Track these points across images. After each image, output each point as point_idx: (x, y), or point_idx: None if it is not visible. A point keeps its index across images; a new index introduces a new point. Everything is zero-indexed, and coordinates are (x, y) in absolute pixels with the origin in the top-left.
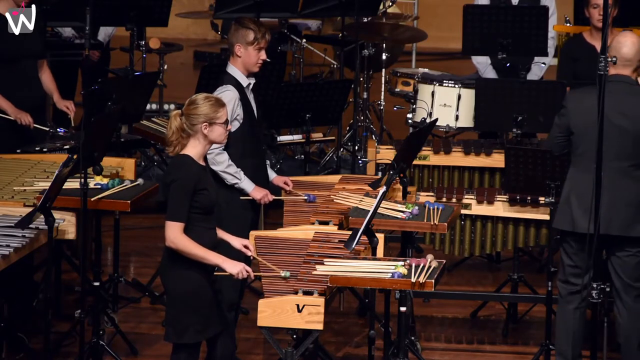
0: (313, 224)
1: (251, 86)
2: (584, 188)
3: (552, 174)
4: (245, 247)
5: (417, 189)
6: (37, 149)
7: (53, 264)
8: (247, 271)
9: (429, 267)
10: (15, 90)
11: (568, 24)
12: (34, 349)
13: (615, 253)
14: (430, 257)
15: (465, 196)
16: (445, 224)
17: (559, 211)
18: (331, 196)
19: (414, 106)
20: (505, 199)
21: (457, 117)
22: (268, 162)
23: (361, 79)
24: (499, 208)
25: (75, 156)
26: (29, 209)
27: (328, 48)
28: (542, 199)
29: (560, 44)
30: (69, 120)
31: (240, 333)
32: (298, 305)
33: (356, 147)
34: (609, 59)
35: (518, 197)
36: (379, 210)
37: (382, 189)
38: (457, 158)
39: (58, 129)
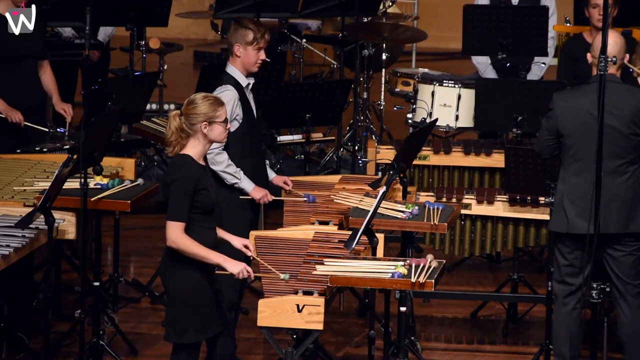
0: (313, 224)
1: (250, 86)
2: (577, 189)
3: (552, 174)
4: (246, 247)
5: (417, 189)
6: (37, 149)
7: (53, 264)
8: (247, 271)
9: (429, 267)
10: (15, 90)
11: (568, 24)
12: (34, 349)
13: (611, 254)
14: (430, 257)
15: (465, 196)
16: (445, 224)
17: (553, 214)
18: (331, 196)
19: (414, 106)
20: (505, 199)
21: (457, 117)
22: (268, 162)
23: (361, 79)
24: (499, 208)
25: (75, 156)
26: (29, 209)
27: (328, 48)
28: (542, 199)
29: (560, 44)
30: (67, 125)
31: (240, 333)
32: (298, 305)
33: (356, 147)
34: (609, 59)
35: (518, 197)
36: (379, 210)
37: (382, 189)
38: (457, 158)
39: (58, 129)
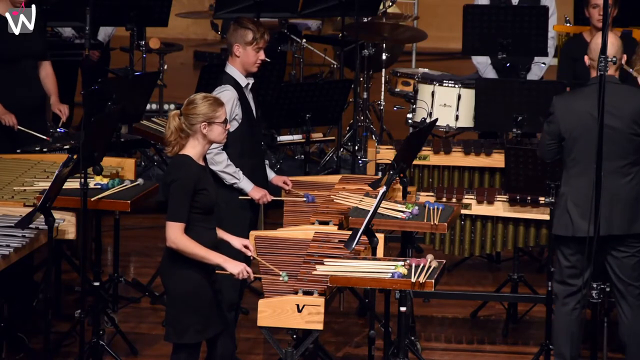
0: (313, 224)
1: (250, 86)
2: (581, 192)
3: (552, 174)
4: (245, 247)
5: (417, 189)
6: (37, 149)
7: (53, 264)
8: (247, 272)
9: (429, 267)
10: (15, 90)
11: (568, 24)
12: (34, 349)
13: (613, 255)
14: (430, 257)
15: (465, 196)
16: (445, 224)
17: (557, 217)
18: (331, 196)
19: (414, 106)
20: (505, 199)
21: (457, 117)
22: (267, 162)
23: (361, 79)
24: (499, 208)
25: (75, 156)
26: (29, 209)
27: (328, 48)
28: (542, 199)
29: (560, 44)
30: (60, 123)
31: (240, 333)
32: (298, 305)
33: (356, 147)
34: (609, 59)
35: (518, 197)
36: (379, 210)
37: (382, 189)
38: (457, 158)
39: (58, 129)
